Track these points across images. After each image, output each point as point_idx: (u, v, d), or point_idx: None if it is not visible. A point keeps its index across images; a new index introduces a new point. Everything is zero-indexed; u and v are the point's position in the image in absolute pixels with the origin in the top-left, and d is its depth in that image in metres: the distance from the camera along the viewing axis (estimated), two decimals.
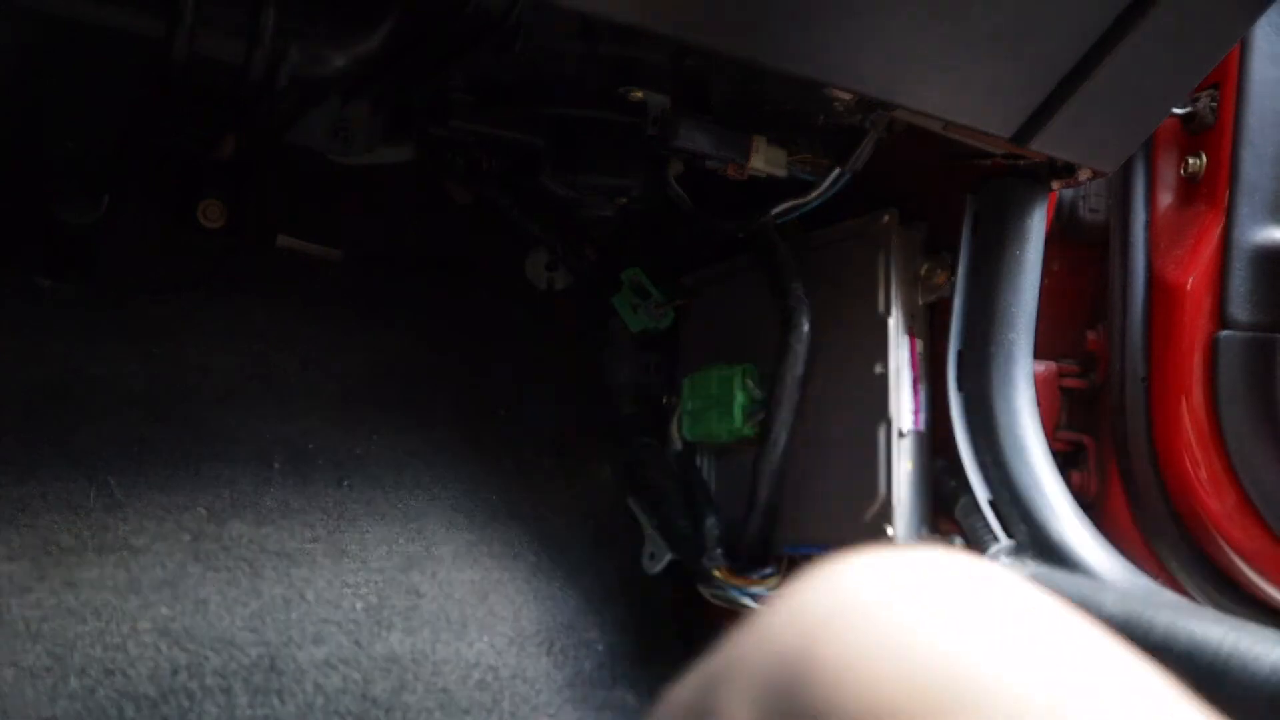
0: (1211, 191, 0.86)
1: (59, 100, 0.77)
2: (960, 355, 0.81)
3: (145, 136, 0.88)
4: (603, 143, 0.84)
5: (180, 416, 0.91)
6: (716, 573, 0.90)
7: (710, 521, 0.93)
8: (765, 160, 0.81)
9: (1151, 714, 0.26)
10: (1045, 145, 0.69)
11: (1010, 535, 0.76)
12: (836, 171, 0.82)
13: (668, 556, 1.00)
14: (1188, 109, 0.88)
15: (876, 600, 0.29)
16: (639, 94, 0.79)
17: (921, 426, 0.81)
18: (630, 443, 1.06)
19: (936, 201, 0.84)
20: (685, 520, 0.97)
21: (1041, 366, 0.91)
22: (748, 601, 0.88)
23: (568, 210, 0.91)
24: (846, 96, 0.72)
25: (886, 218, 0.84)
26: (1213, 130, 0.87)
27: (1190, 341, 0.85)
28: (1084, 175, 0.77)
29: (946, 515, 0.80)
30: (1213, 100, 0.87)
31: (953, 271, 0.82)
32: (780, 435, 0.87)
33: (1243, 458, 0.83)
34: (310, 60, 0.65)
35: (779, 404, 0.87)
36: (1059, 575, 0.71)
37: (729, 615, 0.92)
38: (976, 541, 0.77)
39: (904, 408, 0.81)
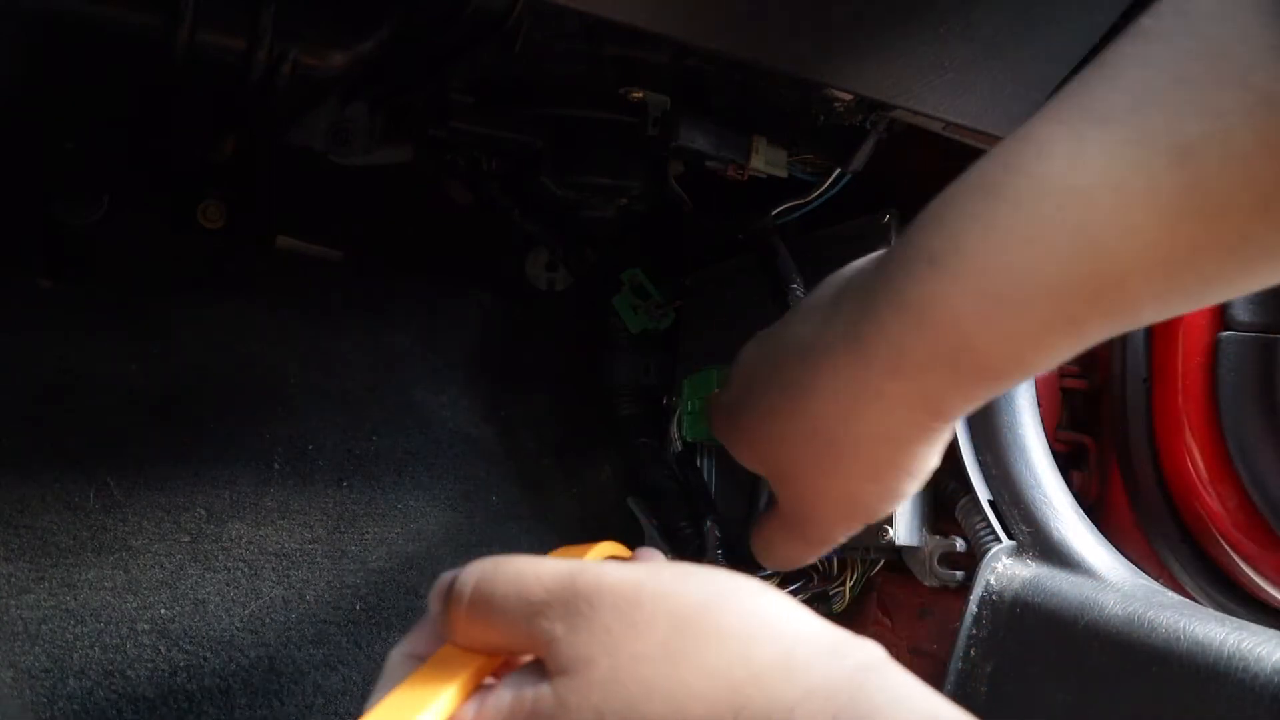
0: None
1: (59, 100, 0.77)
2: None
3: (145, 137, 0.87)
4: (603, 143, 0.84)
5: (179, 417, 0.91)
6: None
7: (710, 522, 0.93)
8: (765, 160, 0.81)
9: None
10: None
11: (1011, 536, 0.76)
12: (837, 172, 0.82)
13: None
14: None
15: None
16: (639, 94, 0.79)
17: None
18: (630, 443, 1.05)
19: None
20: (685, 521, 0.97)
21: None
22: None
23: (568, 210, 0.91)
24: (847, 97, 0.72)
25: (886, 218, 0.84)
26: None
27: (1192, 342, 0.85)
28: None
29: (947, 516, 0.80)
30: None
31: None
32: None
33: (1244, 458, 0.83)
34: (310, 60, 0.65)
35: None
36: (1060, 576, 0.71)
37: None
38: (977, 542, 0.77)
39: None
